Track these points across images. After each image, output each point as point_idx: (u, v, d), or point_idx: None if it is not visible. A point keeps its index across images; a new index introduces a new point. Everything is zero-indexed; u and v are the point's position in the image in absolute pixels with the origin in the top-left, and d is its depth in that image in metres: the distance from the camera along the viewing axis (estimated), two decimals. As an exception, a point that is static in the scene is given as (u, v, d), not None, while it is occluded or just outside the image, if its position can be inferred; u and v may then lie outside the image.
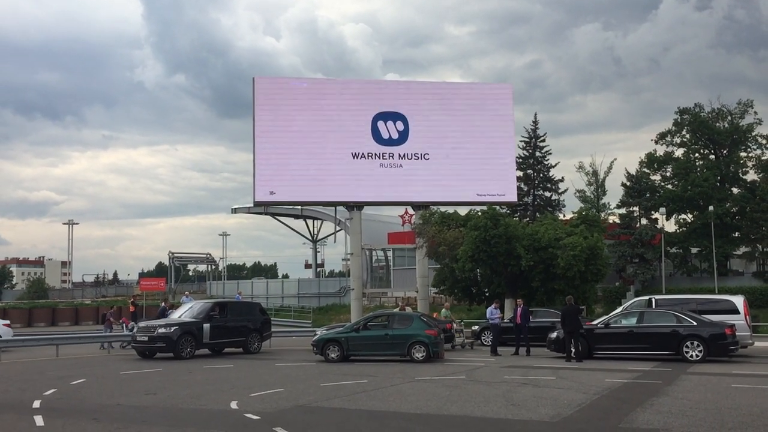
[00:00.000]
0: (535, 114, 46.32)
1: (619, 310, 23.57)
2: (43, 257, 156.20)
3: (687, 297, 25.03)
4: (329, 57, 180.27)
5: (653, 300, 23.04)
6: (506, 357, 21.30)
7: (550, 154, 46.07)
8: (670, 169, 45.52)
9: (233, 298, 34.73)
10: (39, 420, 10.79)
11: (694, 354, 19.00)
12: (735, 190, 44.55)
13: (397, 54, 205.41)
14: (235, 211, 63.19)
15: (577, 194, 48.08)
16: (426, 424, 10.46)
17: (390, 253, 53.26)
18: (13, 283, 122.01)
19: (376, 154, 36.65)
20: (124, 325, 28.56)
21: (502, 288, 31.25)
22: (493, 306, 24.12)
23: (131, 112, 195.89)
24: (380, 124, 35.17)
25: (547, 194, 45.91)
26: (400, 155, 36.64)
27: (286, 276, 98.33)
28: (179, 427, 10.31)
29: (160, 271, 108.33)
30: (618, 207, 45.72)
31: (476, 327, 28.03)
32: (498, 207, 34.23)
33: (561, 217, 40.44)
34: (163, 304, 28.33)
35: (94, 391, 14.28)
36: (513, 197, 38.37)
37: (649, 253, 41.65)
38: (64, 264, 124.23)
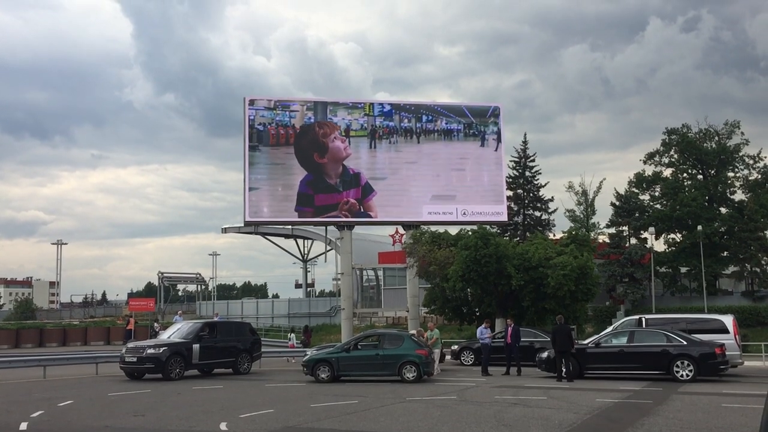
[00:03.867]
0: (525, 134, 46.61)
1: (609, 329, 23.62)
2: (31, 277, 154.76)
3: (677, 316, 25.12)
4: (319, 76, 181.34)
5: (643, 319, 23.12)
6: (497, 377, 21.26)
7: (540, 173, 46.24)
8: (658, 189, 45.85)
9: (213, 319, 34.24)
10: (26, 442, 10.68)
11: (684, 373, 19.04)
12: (723, 210, 44.88)
13: (386, 73, 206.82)
14: (225, 230, 63.03)
15: (567, 214, 48.29)
16: (417, 445, 10.43)
17: (380, 273, 53.19)
18: (1, 303, 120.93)
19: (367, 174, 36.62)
20: None
21: (492, 308, 31.24)
22: (483, 326, 24.14)
23: (120, 132, 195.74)
24: (372, 143, 34.59)
25: (537, 214, 46.02)
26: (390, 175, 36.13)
27: (276, 296, 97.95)
28: (168, 449, 10.21)
29: (150, 291, 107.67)
30: (607, 226, 45.96)
31: (455, 346, 28.01)
32: (488, 227, 34.27)
33: (551, 236, 40.51)
34: (156, 323, 28.31)
35: (82, 413, 14.14)
36: (503, 217, 38.46)
37: (639, 273, 41.80)
38: (52, 284, 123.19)
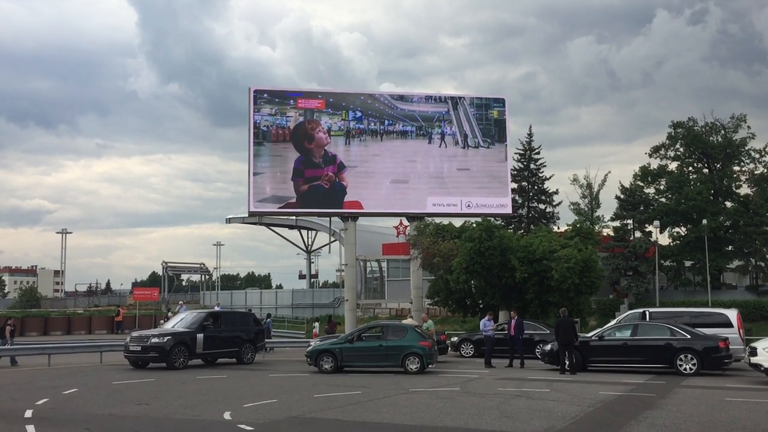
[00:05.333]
0: (530, 126, 46.54)
1: (613, 322, 23.62)
2: (36, 266, 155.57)
3: (681, 310, 25.10)
4: (324, 67, 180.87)
5: (647, 313, 23.08)
6: (500, 369, 21.28)
7: (545, 166, 46.25)
8: (663, 183, 45.74)
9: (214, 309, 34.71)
10: (31, 430, 10.76)
11: (687, 367, 19.04)
12: (728, 204, 44.76)
13: (391, 65, 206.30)
14: (229, 221, 63.06)
15: (572, 207, 48.25)
16: (420, 435, 10.45)
17: (384, 264, 53.25)
18: (5, 292, 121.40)
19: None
20: None
21: (496, 300, 31.25)
22: (486, 318, 24.12)
23: (125, 121, 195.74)
24: (347, 141, 36.01)
25: (542, 206, 46.04)
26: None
27: (279, 286, 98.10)
28: (172, 438, 10.26)
29: (154, 280, 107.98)
30: (612, 220, 45.90)
31: (455, 338, 28.00)
32: (492, 219, 34.28)
33: (555, 229, 40.51)
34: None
35: (87, 401, 14.22)
36: (508, 209, 38.51)
37: (643, 266, 41.76)
38: (56, 273, 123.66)
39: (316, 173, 33.02)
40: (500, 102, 38.73)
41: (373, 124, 33.22)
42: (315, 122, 33.24)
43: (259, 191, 34.23)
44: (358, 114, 33.28)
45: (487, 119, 36.99)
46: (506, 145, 38.32)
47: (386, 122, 33.24)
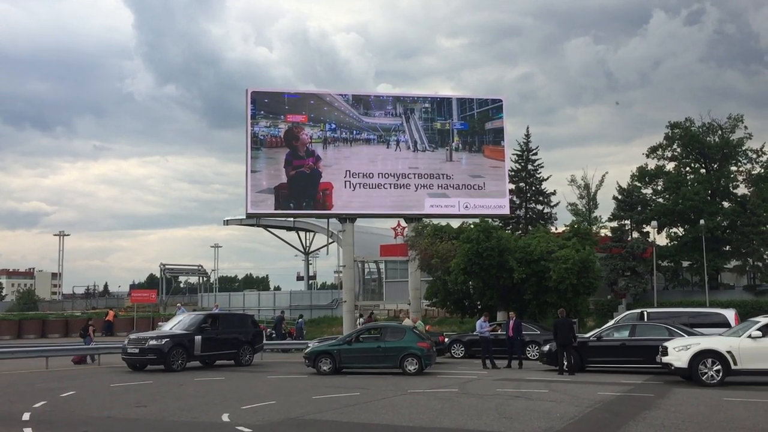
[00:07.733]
0: (527, 127, 46.67)
1: (611, 323, 23.63)
2: (33, 269, 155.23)
3: (679, 310, 25.11)
4: (321, 68, 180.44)
5: (645, 313, 23.10)
6: (499, 370, 21.28)
7: (543, 167, 46.31)
8: (661, 183, 45.80)
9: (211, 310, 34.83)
10: (29, 432, 10.72)
11: (686, 367, 18.99)
12: (725, 204, 44.82)
13: (388, 65, 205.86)
14: (227, 222, 62.99)
15: (569, 207, 48.28)
16: (419, 437, 10.44)
17: (382, 266, 53.21)
18: (3, 294, 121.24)
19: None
20: None
21: (494, 301, 31.27)
22: (482, 319, 24.03)
23: (122, 123, 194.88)
24: (324, 146, 38.64)
25: (540, 207, 46.07)
26: (392, 167, 38.30)
27: (278, 288, 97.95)
28: (170, 440, 10.24)
29: (152, 282, 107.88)
30: (610, 220, 45.95)
31: (446, 339, 27.93)
32: (490, 220, 34.29)
33: (553, 230, 40.54)
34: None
35: (85, 403, 14.19)
36: (505, 210, 38.52)
37: (641, 267, 41.80)
38: (54, 275, 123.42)
39: (301, 163, 38.63)
40: (497, 102, 38.91)
41: (344, 133, 39.44)
42: (300, 127, 39.02)
43: (256, 184, 37.98)
44: (333, 126, 39.34)
45: (432, 129, 39.07)
46: (504, 146, 38.55)
47: (354, 132, 39.69)
